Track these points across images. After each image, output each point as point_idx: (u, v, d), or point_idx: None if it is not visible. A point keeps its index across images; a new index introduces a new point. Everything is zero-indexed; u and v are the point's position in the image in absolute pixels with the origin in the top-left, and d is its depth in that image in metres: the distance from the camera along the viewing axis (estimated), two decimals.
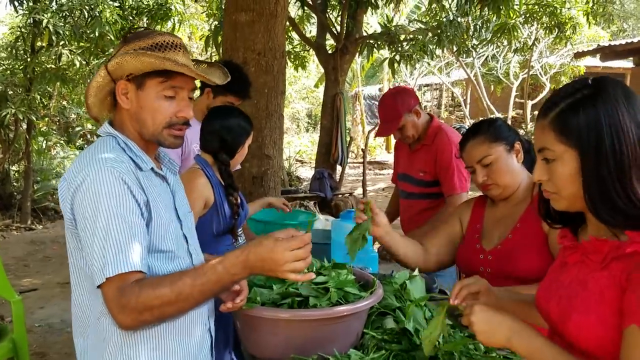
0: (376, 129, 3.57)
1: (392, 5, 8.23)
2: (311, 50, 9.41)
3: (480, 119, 2.14)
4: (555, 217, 1.26)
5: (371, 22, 12.68)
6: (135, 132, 1.44)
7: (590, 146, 1.07)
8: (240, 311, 1.62)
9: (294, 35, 9.37)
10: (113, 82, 1.41)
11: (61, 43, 8.38)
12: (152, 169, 1.45)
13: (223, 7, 5.45)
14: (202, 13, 11.06)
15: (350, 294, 1.74)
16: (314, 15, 9.10)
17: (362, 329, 1.77)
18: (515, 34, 8.22)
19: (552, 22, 8.44)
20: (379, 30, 8.63)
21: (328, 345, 1.64)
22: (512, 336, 1.16)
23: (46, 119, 12.72)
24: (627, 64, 13.33)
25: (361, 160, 12.18)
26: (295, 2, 8.78)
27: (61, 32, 7.91)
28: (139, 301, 1.24)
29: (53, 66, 9.32)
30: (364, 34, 8.92)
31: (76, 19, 8.25)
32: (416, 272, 2.02)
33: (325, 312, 1.62)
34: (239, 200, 2.34)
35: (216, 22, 8.30)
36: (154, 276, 1.32)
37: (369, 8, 8.46)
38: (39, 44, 8.63)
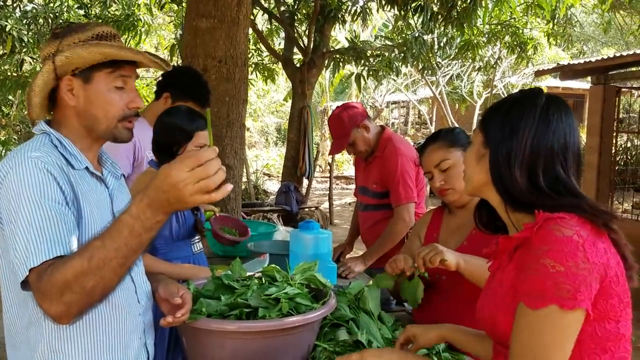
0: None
1: (360, 21, 8.30)
2: (279, 63, 9.42)
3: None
4: (487, 224, 1.35)
5: (339, 38, 12.79)
6: (80, 130, 1.37)
7: (493, 133, 1.19)
8: (185, 323, 1.55)
9: (263, 48, 9.37)
10: (56, 80, 1.34)
11: (24, 50, 8.19)
12: (86, 168, 1.38)
13: None
14: (169, 23, 10.99)
15: (302, 305, 1.68)
16: (282, 28, 9.12)
17: (313, 341, 1.72)
18: (479, 51, 8.39)
19: (514, 42, 8.66)
20: (347, 46, 8.70)
21: (278, 358, 1.58)
22: None
23: (7, 128, 12.39)
24: (586, 85, 13.76)
25: (328, 174, 12.19)
26: (263, 14, 8.79)
27: (25, 39, 7.73)
28: (53, 280, 1.12)
29: (14, 74, 9.10)
30: (332, 49, 8.97)
31: (40, 26, 8.08)
32: (372, 281, 1.98)
33: (275, 323, 1.56)
34: None
35: (181, 32, 8.24)
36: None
37: (336, 23, 8.53)
38: (0, 51, 8.41)
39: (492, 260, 1.27)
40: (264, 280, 1.81)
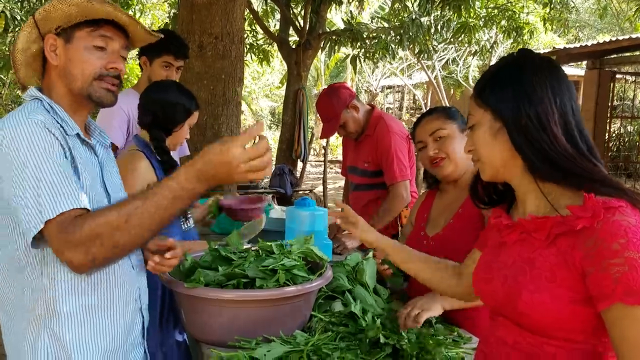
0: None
1: (355, 2, 8.24)
2: (275, 45, 9.34)
3: None
4: (483, 198, 1.31)
5: (335, 20, 12.70)
6: (65, 92, 1.37)
7: (506, 105, 1.13)
8: (183, 292, 1.57)
9: (259, 29, 9.29)
10: (41, 39, 1.36)
11: (17, 29, 8.10)
12: (78, 135, 1.38)
13: None
14: (163, 3, 10.87)
15: (299, 276, 1.70)
16: (278, 9, 9.03)
17: (309, 311, 1.74)
18: (475, 34, 8.35)
19: (510, 27, 8.62)
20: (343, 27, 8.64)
21: (274, 328, 1.60)
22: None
23: None
24: (580, 71, 13.76)
25: (323, 158, 12.18)
26: None
27: (18, 17, 7.63)
28: (84, 231, 1.15)
29: (7, 53, 8.99)
30: (328, 30, 8.91)
31: (32, 4, 7.98)
32: (370, 255, 2.00)
33: (272, 292, 1.59)
34: None
35: (175, 11, 8.16)
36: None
37: (333, 4, 8.46)
38: None
39: (505, 232, 1.22)
40: (261, 253, 1.82)
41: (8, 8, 7.44)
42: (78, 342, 1.32)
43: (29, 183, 1.18)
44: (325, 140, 12.63)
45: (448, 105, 15.35)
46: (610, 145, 8.87)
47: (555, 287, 1.06)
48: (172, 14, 8.63)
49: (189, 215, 2.35)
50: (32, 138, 1.22)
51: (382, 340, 1.52)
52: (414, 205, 2.26)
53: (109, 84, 1.39)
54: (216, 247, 1.85)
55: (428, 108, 16.08)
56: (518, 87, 1.13)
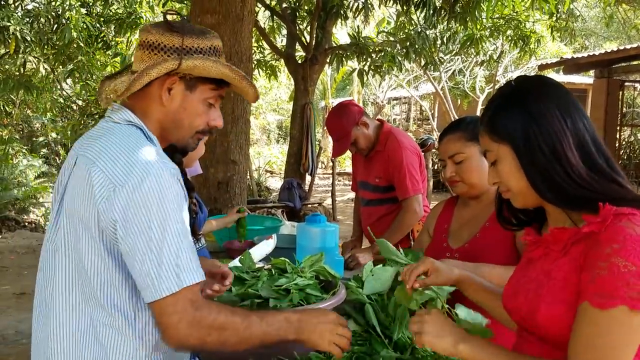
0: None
1: (361, 17, 8.29)
2: (282, 60, 9.41)
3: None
4: (512, 220, 1.29)
5: (341, 35, 12.77)
6: (158, 127, 1.33)
7: (519, 136, 1.11)
8: None
9: (266, 45, 9.36)
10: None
11: (27, 50, 8.20)
12: None
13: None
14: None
15: (312, 296, 1.69)
16: (284, 25, 9.11)
17: None
18: (482, 45, 8.35)
19: (517, 36, 8.63)
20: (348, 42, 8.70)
21: (290, 348, 1.59)
22: (460, 341, 1.17)
23: (9, 127, 12.42)
24: (588, 79, 13.73)
25: (331, 171, 12.19)
26: (264, 11, 8.79)
27: (27, 38, 7.73)
28: (216, 319, 1.19)
29: (17, 73, 9.11)
30: (333, 45, 8.97)
31: (42, 25, 8.08)
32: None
33: None
34: (194, 200, 2.25)
35: None
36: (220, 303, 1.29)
37: (338, 19, 8.52)
38: (2, 50, 8.41)
39: (531, 248, 1.22)
40: (273, 272, 1.82)
41: (18, 30, 7.55)
42: None
43: (169, 242, 1.16)
44: None
45: (455, 116, 15.31)
46: (621, 153, 8.80)
47: (568, 295, 1.06)
48: None
49: (200, 235, 2.37)
50: (172, 194, 1.19)
51: None
52: (430, 214, 2.24)
53: (203, 135, 1.40)
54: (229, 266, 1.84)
55: (435, 119, 15.93)
56: (526, 117, 1.11)
